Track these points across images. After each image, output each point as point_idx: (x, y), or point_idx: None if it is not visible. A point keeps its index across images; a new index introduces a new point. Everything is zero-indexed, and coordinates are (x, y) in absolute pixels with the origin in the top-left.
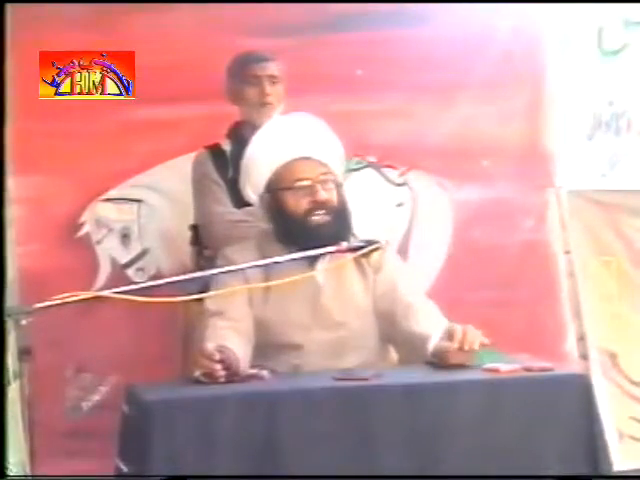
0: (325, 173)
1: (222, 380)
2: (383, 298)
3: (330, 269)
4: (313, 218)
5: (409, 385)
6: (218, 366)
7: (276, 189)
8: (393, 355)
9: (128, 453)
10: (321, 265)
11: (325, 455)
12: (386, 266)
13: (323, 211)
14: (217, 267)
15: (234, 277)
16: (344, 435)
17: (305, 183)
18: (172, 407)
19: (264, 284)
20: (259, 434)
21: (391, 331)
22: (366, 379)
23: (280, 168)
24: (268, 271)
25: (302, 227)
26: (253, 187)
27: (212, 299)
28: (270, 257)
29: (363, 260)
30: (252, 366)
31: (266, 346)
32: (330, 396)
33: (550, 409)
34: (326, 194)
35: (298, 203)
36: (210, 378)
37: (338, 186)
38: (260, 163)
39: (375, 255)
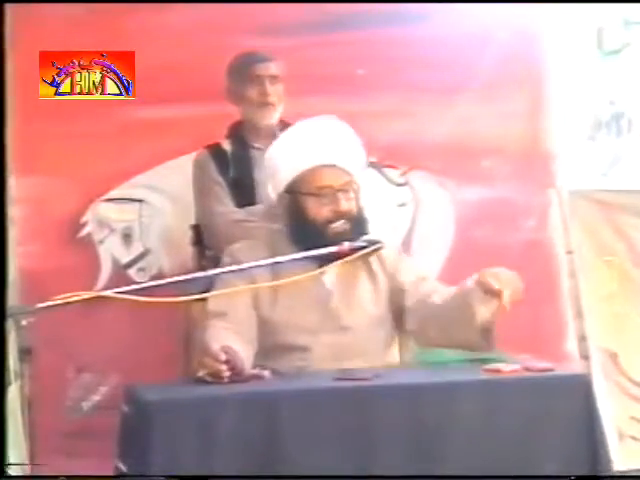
0: (348, 182)
1: (226, 380)
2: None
3: (340, 274)
4: (332, 226)
5: (409, 385)
6: (224, 367)
7: (298, 192)
8: (396, 360)
9: (128, 453)
10: (331, 269)
11: (325, 455)
12: (403, 271)
13: (343, 220)
14: (222, 265)
15: (239, 277)
16: (344, 435)
17: (328, 191)
18: (172, 407)
19: (267, 284)
20: (259, 434)
21: (423, 315)
22: (366, 379)
23: (304, 172)
24: (276, 272)
25: (321, 234)
26: (274, 185)
27: (214, 300)
28: (281, 256)
29: (375, 267)
30: (255, 366)
31: (271, 346)
32: (330, 396)
33: (550, 409)
34: (347, 204)
35: (319, 210)
36: (215, 378)
37: (357, 193)
38: (285, 163)
39: (390, 261)
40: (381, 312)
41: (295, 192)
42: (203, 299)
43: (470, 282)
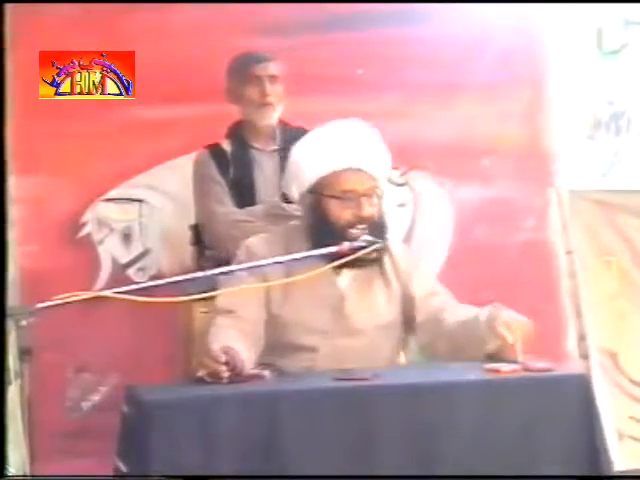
0: (372, 188)
1: (225, 381)
2: (420, 303)
3: (355, 278)
4: (352, 231)
5: (409, 385)
6: (223, 367)
7: (321, 193)
8: (402, 363)
9: (128, 453)
10: (345, 272)
11: (325, 455)
12: (415, 283)
13: (364, 225)
14: (238, 258)
15: (250, 273)
16: (344, 435)
17: (352, 195)
18: (172, 407)
19: (275, 282)
20: (259, 434)
21: (434, 333)
22: (366, 379)
23: (330, 174)
24: (288, 269)
25: (339, 237)
26: (298, 184)
27: (222, 296)
28: (295, 253)
29: (390, 273)
30: (262, 363)
31: (280, 345)
32: (330, 396)
33: (550, 409)
34: (370, 209)
35: (341, 213)
36: (214, 379)
37: (381, 199)
38: (311, 163)
39: (404, 269)
40: (393, 318)
41: (318, 193)
42: (205, 298)
43: (483, 315)
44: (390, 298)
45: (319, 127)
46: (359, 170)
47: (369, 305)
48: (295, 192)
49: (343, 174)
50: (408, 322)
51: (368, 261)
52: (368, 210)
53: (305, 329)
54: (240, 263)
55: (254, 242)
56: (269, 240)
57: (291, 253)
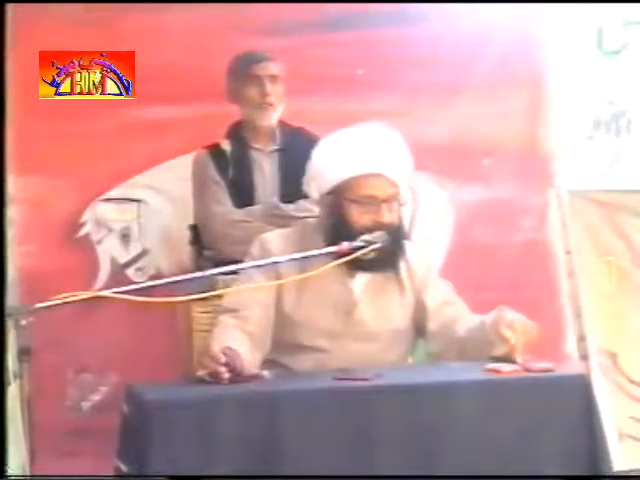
0: (393, 194)
1: (225, 382)
2: (436, 312)
3: (370, 283)
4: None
5: (409, 385)
6: (223, 368)
7: (341, 197)
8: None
9: (128, 453)
10: (360, 277)
11: (325, 455)
12: (430, 291)
13: (382, 232)
14: (251, 253)
15: (263, 270)
16: (344, 435)
17: (372, 201)
18: (172, 407)
19: (279, 282)
20: (259, 434)
21: (446, 343)
22: (366, 379)
23: (351, 178)
24: (303, 268)
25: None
26: (318, 185)
27: (228, 295)
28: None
29: (405, 280)
30: (269, 360)
31: (290, 344)
32: (330, 396)
33: (550, 409)
34: (389, 216)
35: (360, 218)
36: (214, 379)
37: (401, 206)
38: (332, 166)
39: (420, 277)
40: (405, 325)
41: (339, 196)
42: (202, 299)
43: (489, 319)
44: (404, 305)
45: (343, 129)
46: (380, 176)
47: (382, 310)
48: (315, 192)
49: (364, 179)
50: (419, 329)
51: (383, 265)
52: (387, 217)
53: (316, 331)
54: (253, 258)
55: (269, 238)
56: (284, 237)
57: (306, 251)
